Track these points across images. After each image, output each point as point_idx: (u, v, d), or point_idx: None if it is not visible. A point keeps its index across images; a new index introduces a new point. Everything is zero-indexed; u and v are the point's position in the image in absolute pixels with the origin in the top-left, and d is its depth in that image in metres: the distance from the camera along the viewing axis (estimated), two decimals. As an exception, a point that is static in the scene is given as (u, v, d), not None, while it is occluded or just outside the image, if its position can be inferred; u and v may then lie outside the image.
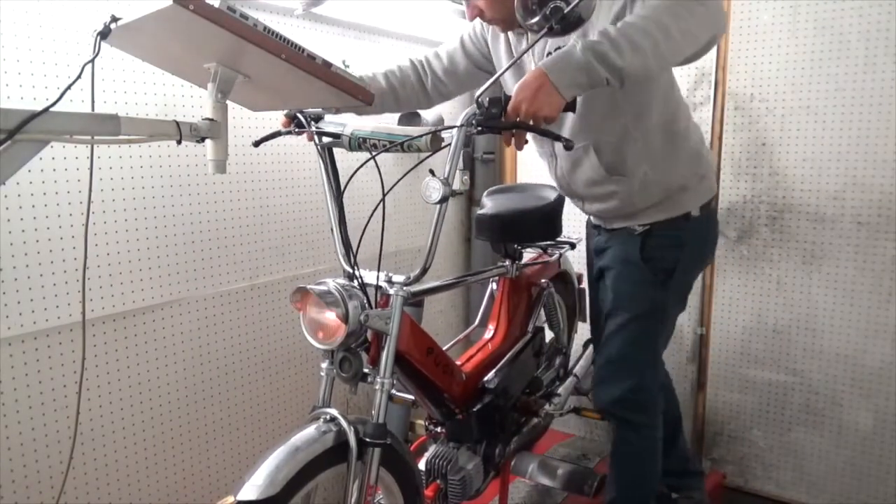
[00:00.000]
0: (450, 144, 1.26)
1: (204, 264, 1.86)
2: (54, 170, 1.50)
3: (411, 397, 1.61)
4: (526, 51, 1.26)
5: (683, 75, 2.46)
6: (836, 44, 2.18)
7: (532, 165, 2.78)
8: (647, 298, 1.67)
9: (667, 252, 1.65)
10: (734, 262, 2.44)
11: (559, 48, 1.40)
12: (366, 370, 1.34)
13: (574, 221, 2.23)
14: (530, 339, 1.94)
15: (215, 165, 1.31)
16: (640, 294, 1.67)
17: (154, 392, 1.76)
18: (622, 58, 1.19)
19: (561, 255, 2.12)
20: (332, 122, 1.43)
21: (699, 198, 1.67)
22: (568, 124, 1.58)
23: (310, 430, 1.27)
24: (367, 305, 1.32)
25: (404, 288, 1.33)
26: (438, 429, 1.72)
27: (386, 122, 1.54)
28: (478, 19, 1.54)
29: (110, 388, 1.66)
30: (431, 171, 1.43)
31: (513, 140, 1.29)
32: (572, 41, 1.31)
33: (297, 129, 1.46)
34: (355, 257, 1.38)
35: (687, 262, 1.68)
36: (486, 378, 1.74)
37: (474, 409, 1.65)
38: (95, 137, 1.17)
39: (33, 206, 1.48)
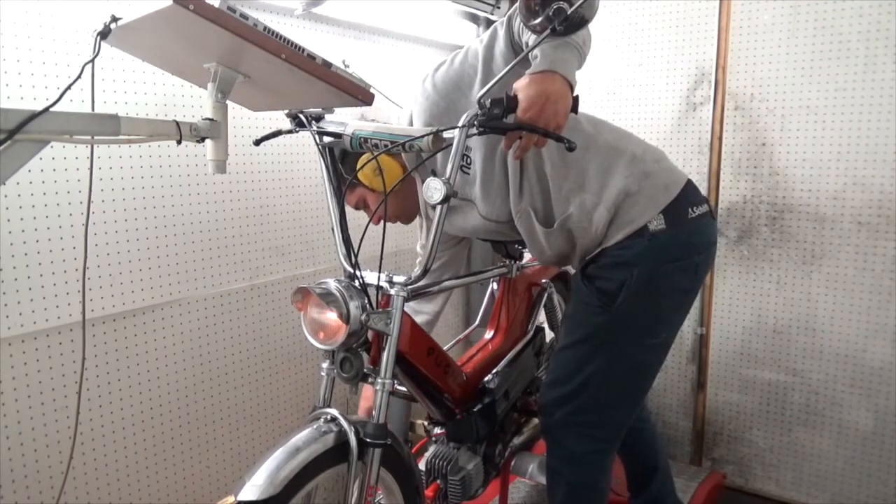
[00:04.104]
0: (451, 145, 1.26)
1: (204, 264, 1.86)
2: (54, 170, 1.50)
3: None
4: (528, 52, 1.26)
5: (683, 75, 2.46)
6: (836, 44, 2.18)
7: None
8: (585, 323, 1.51)
9: (608, 272, 1.48)
10: (734, 262, 2.44)
11: None
12: (366, 370, 1.34)
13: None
14: (530, 339, 1.94)
15: (215, 165, 1.30)
16: (579, 317, 1.54)
17: (154, 392, 1.76)
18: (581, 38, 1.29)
19: (561, 255, 2.12)
20: (333, 122, 1.43)
21: (652, 202, 1.47)
22: (504, 203, 1.51)
23: (310, 431, 1.27)
24: (368, 306, 1.32)
25: (405, 288, 1.33)
26: (439, 429, 1.72)
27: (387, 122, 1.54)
28: None
29: (110, 388, 1.66)
30: (433, 172, 1.43)
31: (513, 147, 1.28)
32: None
33: (297, 128, 1.46)
34: (356, 257, 1.38)
35: (638, 286, 1.45)
36: (486, 378, 1.73)
37: (475, 410, 1.65)
38: (95, 137, 1.17)
39: (33, 206, 1.47)
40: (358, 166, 1.41)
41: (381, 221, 1.42)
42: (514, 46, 1.38)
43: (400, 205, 1.55)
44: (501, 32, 1.40)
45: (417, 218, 1.68)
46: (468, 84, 1.41)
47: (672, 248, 1.48)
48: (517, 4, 1.20)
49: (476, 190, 1.48)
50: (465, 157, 1.46)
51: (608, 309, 1.48)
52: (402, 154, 1.45)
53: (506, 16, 1.40)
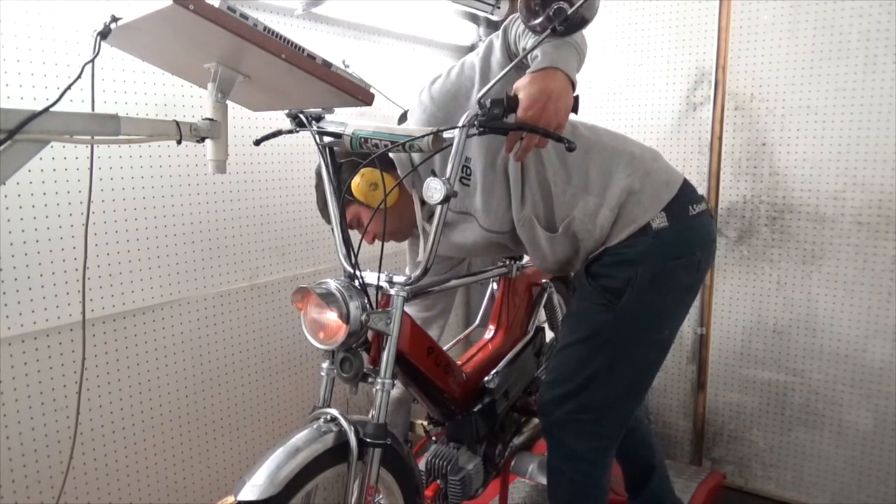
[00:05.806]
0: (451, 145, 1.26)
1: (204, 264, 1.86)
2: (54, 170, 1.50)
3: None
4: (528, 52, 1.26)
5: (683, 75, 2.46)
6: (836, 44, 2.18)
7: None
8: (589, 321, 1.52)
9: (612, 270, 1.49)
10: (734, 262, 2.44)
11: None
12: (366, 370, 1.34)
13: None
14: (531, 339, 1.94)
15: (215, 165, 1.31)
16: (582, 315, 1.54)
17: (154, 392, 1.76)
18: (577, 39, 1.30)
19: (561, 255, 2.11)
20: (333, 122, 1.43)
21: (655, 200, 1.48)
22: (508, 210, 1.50)
23: (310, 431, 1.27)
24: (368, 306, 1.32)
25: (405, 288, 1.33)
26: (439, 429, 1.72)
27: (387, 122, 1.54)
28: None
29: (110, 388, 1.66)
30: (433, 172, 1.43)
31: (514, 148, 1.28)
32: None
33: (297, 128, 1.46)
34: (356, 257, 1.38)
35: (643, 284, 1.46)
36: (486, 378, 1.73)
37: (475, 409, 1.65)
38: (95, 137, 1.17)
39: (33, 206, 1.48)
40: (351, 180, 1.40)
41: (374, 238, 1.45)
42: (511, 56, 1.39)
43: (395, 223, 1.53)
44: (497, 43, 1.40)
45: (409, 250, 1.67)
46: (465, 95, 1.41)
47: (675, 245, 1.50)
48: (519, 4, 1.20)
49: (477, 201, 1.47)
50: (465, 169, 1.46)
51: (613, 307, 1.48)
52: (398, 170, 1.46)
53: (501, 27, 1.40)
